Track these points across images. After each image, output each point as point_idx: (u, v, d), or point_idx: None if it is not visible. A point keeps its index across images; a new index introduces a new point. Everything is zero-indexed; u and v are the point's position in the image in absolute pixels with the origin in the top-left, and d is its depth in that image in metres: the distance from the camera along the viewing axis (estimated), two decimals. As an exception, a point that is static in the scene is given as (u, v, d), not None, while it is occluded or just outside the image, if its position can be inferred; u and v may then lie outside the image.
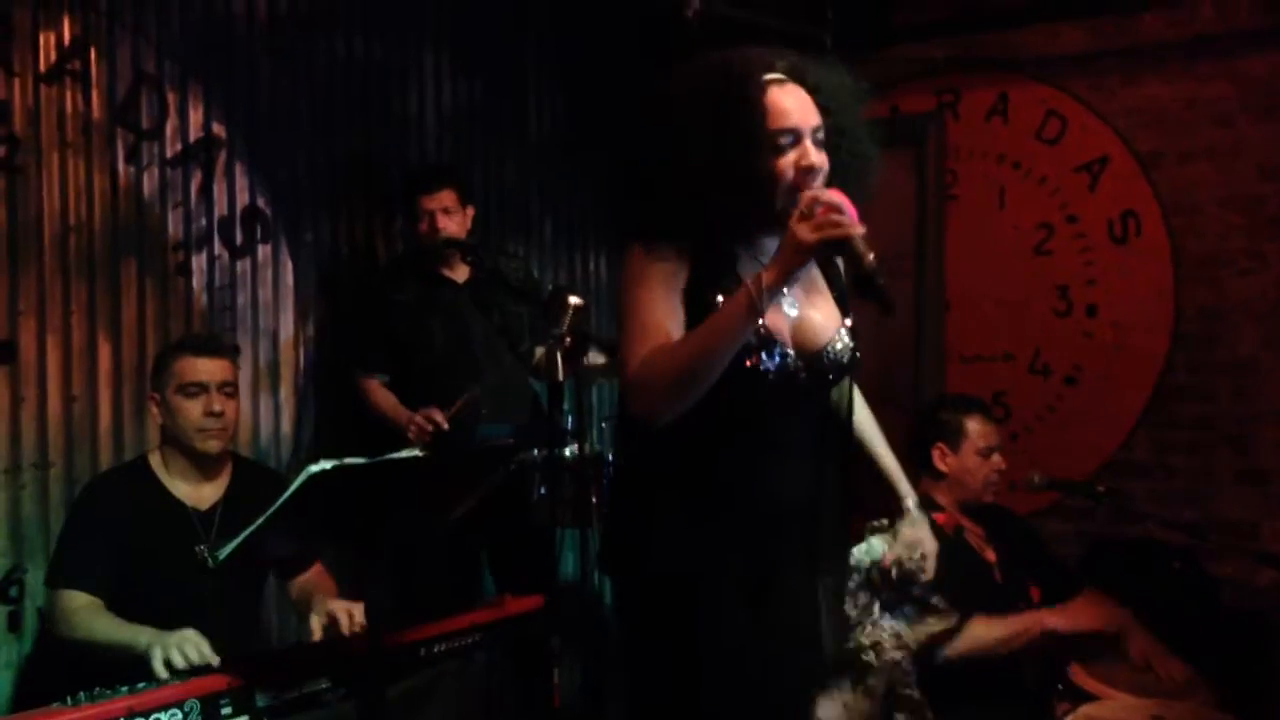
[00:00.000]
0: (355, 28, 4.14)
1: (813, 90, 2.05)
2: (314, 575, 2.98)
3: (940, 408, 3.51)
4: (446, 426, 3.52)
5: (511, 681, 2.77)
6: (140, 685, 2.24)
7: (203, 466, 2.91)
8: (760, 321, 1.94)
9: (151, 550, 2.79)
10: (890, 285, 1.88)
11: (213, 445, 2.88)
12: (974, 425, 3.34)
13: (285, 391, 3.95)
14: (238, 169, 3.82)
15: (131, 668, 2.38)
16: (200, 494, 2.92)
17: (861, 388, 2.33)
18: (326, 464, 2.27)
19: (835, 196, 1.91)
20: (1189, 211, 4.21)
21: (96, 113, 3.45)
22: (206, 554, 2.76)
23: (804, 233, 1.88)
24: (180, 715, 2.20)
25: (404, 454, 2.50)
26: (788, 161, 2.00)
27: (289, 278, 3.96)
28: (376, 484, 2.46)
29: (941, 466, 3.34)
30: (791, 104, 2.01)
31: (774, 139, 2.00)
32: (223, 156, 3.78)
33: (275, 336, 3.93)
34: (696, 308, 2.01)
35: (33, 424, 3.31)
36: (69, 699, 2.15)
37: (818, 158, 2.00)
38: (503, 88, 4.62)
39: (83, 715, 2.11)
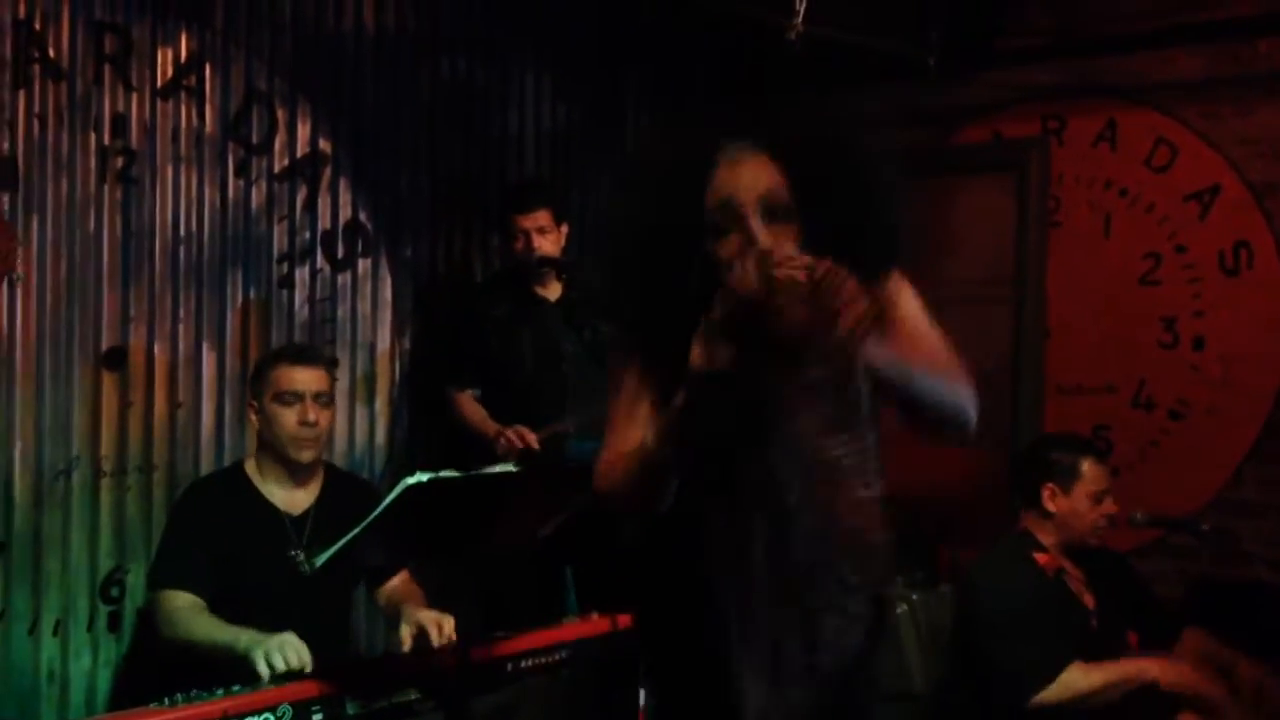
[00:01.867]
0: (459, 48, 4.21)
1: (781, 156, 1.75)
2: (401, 584, 3.01)
3: (1053, 446, 3.41)
4: (536, 447, 3.54)
5: (597, 700, 2.76)
6: (235, 688, 2.28)
7: (296, 474, 2.96)
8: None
9: (246, 554, 2.85)
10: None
11: (306, 454, 2.93)
12: (1089, 468, 3.26)
13: (380, 403, 4.01)
14: (341, 184, 3.90)
15: (228, 669, 2.42)
16: (293, 500, 2.97)
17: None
18: (423, 476, 2.30)
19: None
20: (1305, 244, 4.07)
21: (209, 127, 3.54)
22: (302, 560, 2.81)
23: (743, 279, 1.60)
24: (273, 719, 2.23)
25: (499, 468, 2.51)
26: (727, 245, 1.73)
27: (387, 292, 4.03)
28: (470, 498, 2.48)
29: (1051, 507, 3.25)
30: (734, 177, 1.74)
31: (711, 221, 1.74)
32: (328, 172, 3.86)
33: (372, 349, 4.00)
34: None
35: (139, 428, 3.40)
36: (165, 700, 2.19)
37: (760, 233, 1.70)
38: (601, 111, 4.66)
39: (179, 716, 2.16)
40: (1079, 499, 3.23)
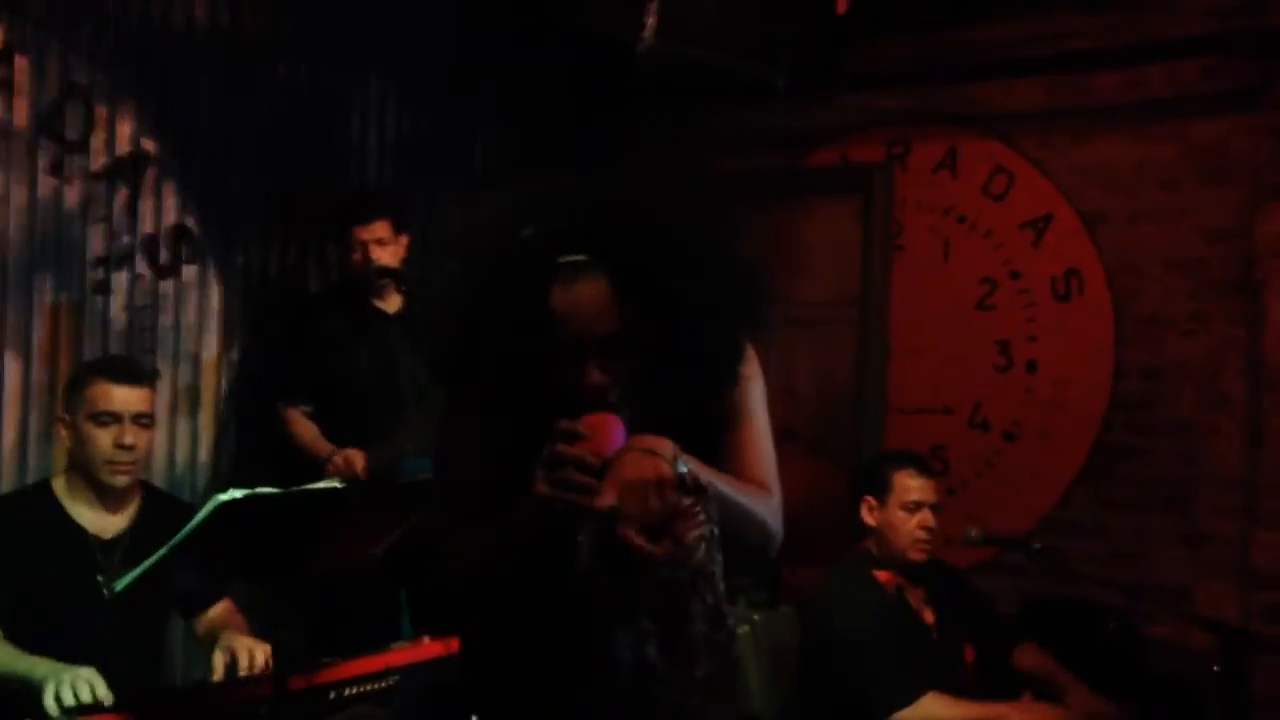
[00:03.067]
0: (300, 50, 4.05)
1: (621, 280, 1.65)
2: (221, 612, 2.83)
3: (873, 460, 3.48)
4: (363, 473, 3.42)
5: (426, 728, 2.64)
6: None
7: (108, 496, 2.76)
8: None
9: (50, 580, 2.64)
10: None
11: (120, 479, 2.74)
12: (902, 479, 3.29)
13: (205, 418, 3.82)
14: (166, 187, 3.71)
15: (28, 701, 2.26)
16: (105, 523, 2.77)
17: (803, 437, 2.18)
18: (236, 493, 2.16)
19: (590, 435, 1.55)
20: (1132, 272, 4.20)
21: (19, 122, 3.32)
22: (104, 585, 2.62)
23: (539, 486, 1.56)
24: (61, 758, 2.06)
25: (321, 485, 2.38)
26: (563, 374, 1.66)
27: (215, 300, 3.84)
28: (292, 517, 2.34)
29: (868, 520, 3.29)
30: (570, 306, 1.64)
31: (549, 344, 1.65)
32: (151, 173, 3.67)
33: (197, 360, 3.80)
34: None
35: (-69, 442, 3.15)
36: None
37: (595, 375, 1.65)
38: (448, 121, 4.55)
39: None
40: (893, 511, 3.25)
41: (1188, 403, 4.08)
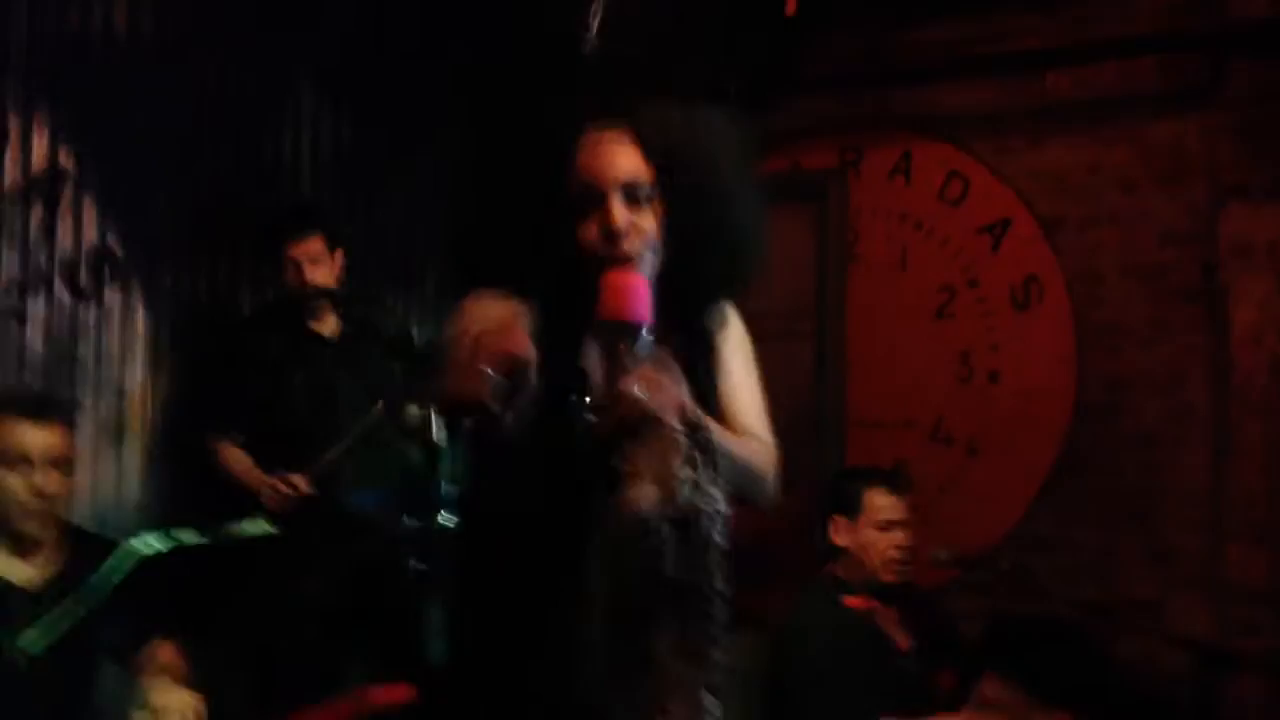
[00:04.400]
0: (228, 56, 3.84)
1: (645, 139, 1.72)
2: (158, 657, 2.62)
3: (840, 478, 3.38)
4: (307, 490, 3.22)
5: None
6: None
7: (25, 541, 2.55)
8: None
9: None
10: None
11: (31, 526, 2.52)
12: (873, 496, 3.20)
13: (131, 453, 3.59)
14: (86, 204, 3.48)
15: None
16: (26, 573, 2.55)
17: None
18: (154, 542, 1.98)
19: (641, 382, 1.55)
20: (1091, 278, 4.14)
21: (-80, 136, 3.10)
22: (16, 647, 2.40)
23: (599, 430, 1.57)
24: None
25: (247, 528, 2.20)
26: (589, 227, 1.68)
27: (140, 326, 3.62)
28: (219, 562, 2.16)
29: (838, 540, 3.19)
30: (596, 158, 1.70)
31: (574, 201, 1.69)
32: (69, 190, 3.44)
33: (122, 391, 3.57)
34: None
35: None
36: None
37: (623, 218, 1.67)
38: (386, 127, 4.35)
39: None
40: (865, 530, 3.16)
41: (1151, 413, 4.02)
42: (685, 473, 1.55)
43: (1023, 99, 4.25)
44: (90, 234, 3.50)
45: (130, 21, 3.57)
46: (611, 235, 1.67)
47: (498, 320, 1.52)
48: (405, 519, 3.10)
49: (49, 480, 2.51)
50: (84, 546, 2.68)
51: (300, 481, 3.30)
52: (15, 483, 2.49)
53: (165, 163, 3.67)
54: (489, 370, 1.48)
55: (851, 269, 4.55)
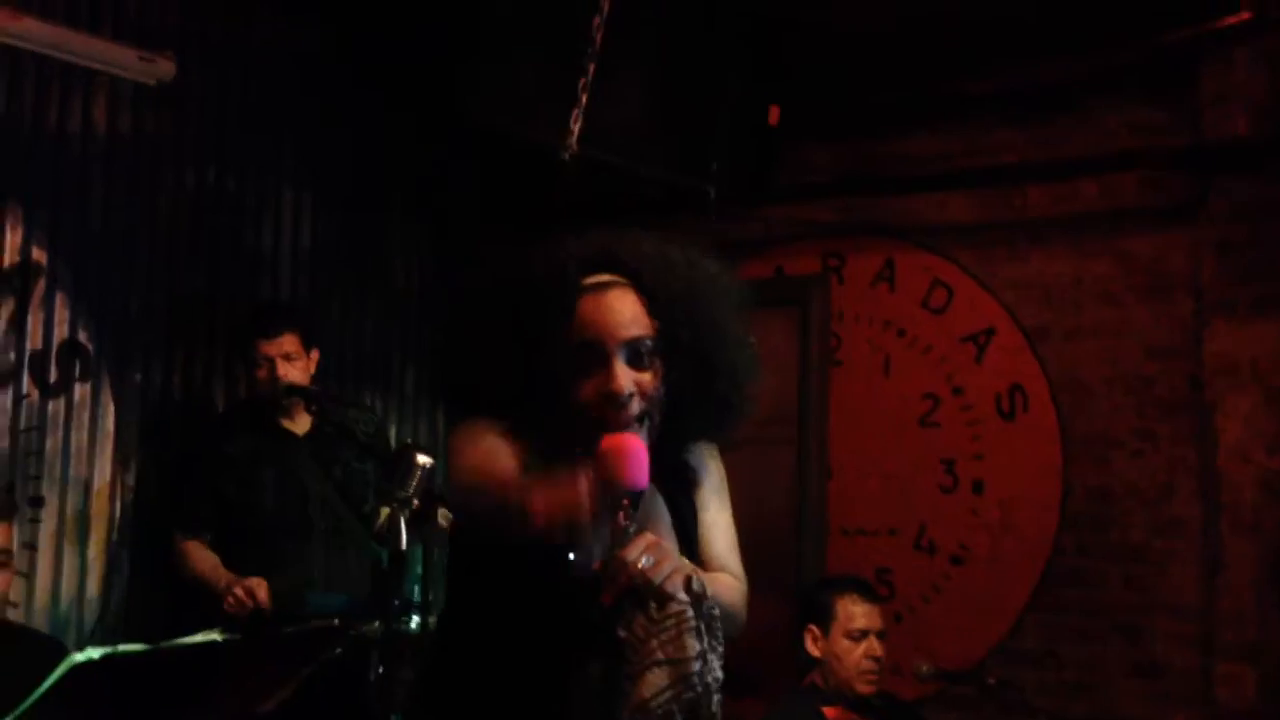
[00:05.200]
0: (206, 155, 3.85)
1: (648, 292, 1.69)
2: None
3: (815, 587, 3.34)
4: (267, 607, 3.13)
5: None
6: None
7: None
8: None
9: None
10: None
11: None
12: (845, 605, 3.16)
13: (94, 549, 3.51)
14: (58, 299, 3.46)
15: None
16: None
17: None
18: (94, 652, 1.89)
19: (640, 548, 1.53)
20: (1077, 389, 4.08)
21: (-110, 228, 3.07)
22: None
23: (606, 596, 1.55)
24: None
25: (199, 639, 2.10)
26: (589, 386, 1.65)
27: (109, 422, 3.57)
28: (161, 676, 2.06)
29: (813, 651, 3.15)
30: (599, 314, 1.66)
31: (574, 357, 1.65)
32: (41, 285, 3.42)
33: (88, 487, 3.51)
34: None
35: None
36: None
37: (626, 381, 1.63)
38: (365, 230, 4.35)
39: None
40: (837, 640, 3.13)
41: (1139, 526, 3.92)
42: (695, 649, 1.53)
43: (1003, 211, 4.23)
44: (61, 329, 3.47)
45: (109, 117, 3.57)
46: (613, 400, 1.62)
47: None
48: (370, 624, 3.00)
49: None
50: (17, 643, 2.59)
51: (261, 592, 3.22)
52: None
53: (139, 258, 3.66)
54: (599, 495, 1.48)
55: (834, 374, 4.49)
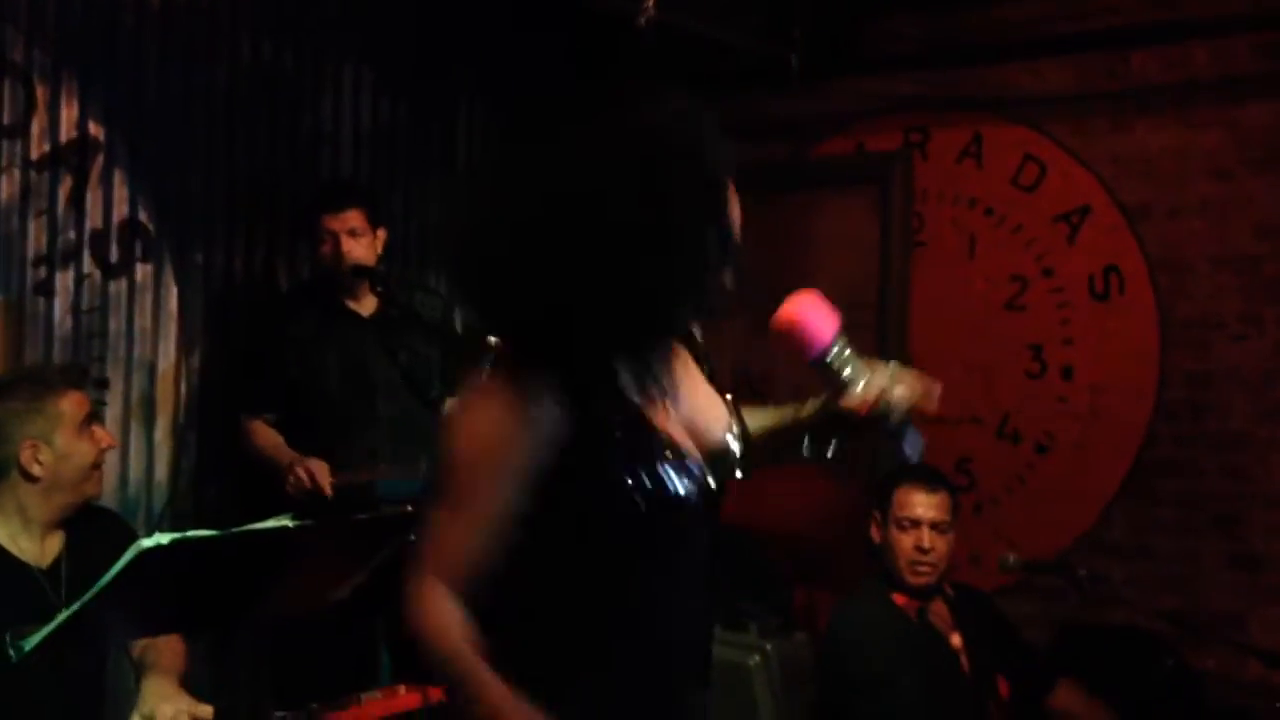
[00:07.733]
0: (265, 28, 3.71)
1: None
2: (159, 649, 2.49)
3: (887, 475, 3.22)
4: (329, 493, 3.08)
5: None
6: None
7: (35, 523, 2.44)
8: (663, 436, 1.58)
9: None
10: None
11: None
12: (901, 494, 3.07)
13: (161, 432, 3.48)
14: (116, 176, 3.37)
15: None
16: (43, 550, 2.46)
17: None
18: (162, 538, 1.83)
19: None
20: (1178, 269, 3.88)
21: (-54, 104, 2.99)
22: (10, 644, 2.27)
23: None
24: None
25: (269, 524, 2.04)
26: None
27: (172, 303, 3.51)
28: (231, 561, 2.01)
29: (875, 537, 3.11)
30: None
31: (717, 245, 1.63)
32: (99, 161, 3.33)
33: (153, 369, 3.47)
34: (589, 488, 1.53)
35: None
36: None
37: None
38: (430, 107, 4.19)
39: None
40: (890, 529, 3.06)
41: (1239, 413, 3.76)
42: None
43: (1105, 80, 3.99)
44: (121, 207, 3.40)
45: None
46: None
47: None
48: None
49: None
50: (90, 519, 2.56)
51: (323, 475, 3.17)
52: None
53: (198, 135, 3.55)
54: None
55: (916, 257, 4.32)
